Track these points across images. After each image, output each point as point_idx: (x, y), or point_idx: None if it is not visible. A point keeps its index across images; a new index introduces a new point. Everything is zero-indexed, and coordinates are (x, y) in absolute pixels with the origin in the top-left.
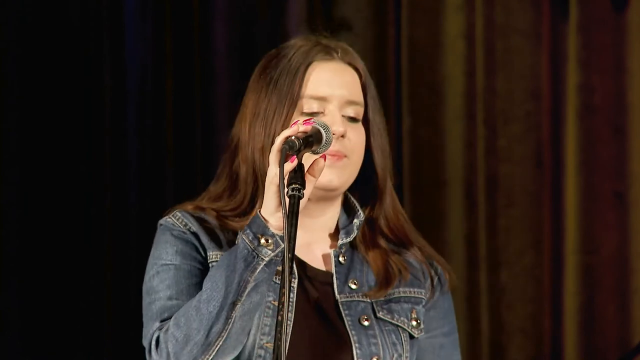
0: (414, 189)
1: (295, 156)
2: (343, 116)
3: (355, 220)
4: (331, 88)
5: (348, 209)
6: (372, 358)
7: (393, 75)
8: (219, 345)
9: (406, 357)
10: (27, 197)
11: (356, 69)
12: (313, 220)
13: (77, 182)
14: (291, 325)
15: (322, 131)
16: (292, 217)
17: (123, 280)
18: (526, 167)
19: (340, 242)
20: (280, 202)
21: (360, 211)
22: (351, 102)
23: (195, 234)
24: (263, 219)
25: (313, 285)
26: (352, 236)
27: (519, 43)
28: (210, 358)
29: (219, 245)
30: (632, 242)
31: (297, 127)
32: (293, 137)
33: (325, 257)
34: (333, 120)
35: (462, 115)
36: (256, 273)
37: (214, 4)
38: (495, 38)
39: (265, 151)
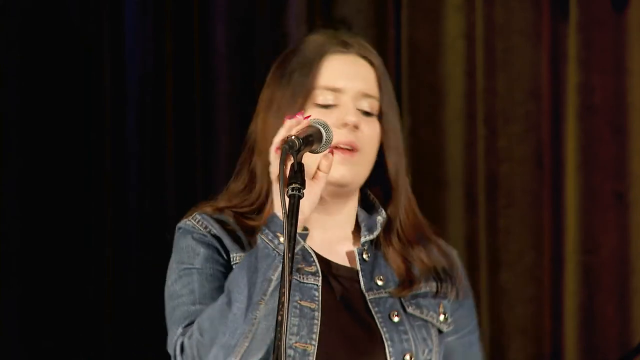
0: (414, 189)
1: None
2: (358, 109)
3: (378, 217)
4: (346, 80)
5: (367, 206)
6: (404, 354)
7: (393, 76)
8: (244, 347)
9: (436, 352)
10: (27, 198)
11: (372, 63)
12: (332, 218)
13: (77, 183)
14: (318, 323)
15: (322, 130)
16: (291, 217)
17: (123, 281)
18: (526, 167)
19: (363, 239)
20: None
21: (381, 208)
22: (366, 95)
23: (217, 237)
24: (279, 218)
25: (339, 282)
26: (376, 233)
27: (519, 43)
28: None
29: (241, 247)
30: (632, 242)
31: (296, 125)
32: (293, 137)
33: (349, 255)
34: (347, 110)
35: (462, 115)
36: (279, 271)
37: (214, 4)
38: (495, 38)
39: None
